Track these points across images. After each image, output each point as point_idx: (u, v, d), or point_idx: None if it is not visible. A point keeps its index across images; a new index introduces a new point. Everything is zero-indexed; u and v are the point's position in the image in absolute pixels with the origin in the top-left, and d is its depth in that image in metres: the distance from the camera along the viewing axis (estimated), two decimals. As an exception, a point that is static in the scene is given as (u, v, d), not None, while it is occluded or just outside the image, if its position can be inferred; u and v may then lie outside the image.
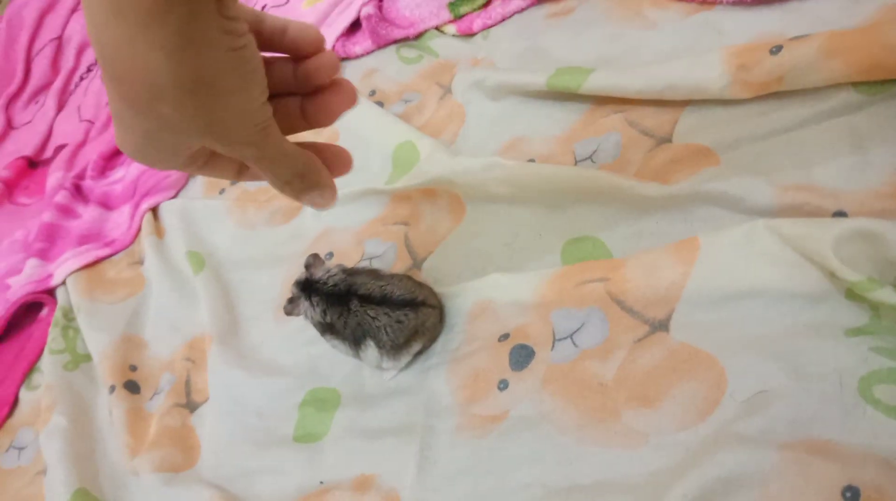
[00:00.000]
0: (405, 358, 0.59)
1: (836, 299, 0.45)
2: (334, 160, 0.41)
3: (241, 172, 0.41)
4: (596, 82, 0.64)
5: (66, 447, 0.71)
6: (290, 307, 0.60)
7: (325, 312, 0.58)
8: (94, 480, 0.70)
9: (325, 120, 0.40)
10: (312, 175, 0.39)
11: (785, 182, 0.52)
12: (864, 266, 0.44)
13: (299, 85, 0.39)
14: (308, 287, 0.59)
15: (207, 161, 0.38)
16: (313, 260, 0.61)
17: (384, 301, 0.57)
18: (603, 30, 0.72)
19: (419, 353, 0.60)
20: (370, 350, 0.58)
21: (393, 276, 0.60)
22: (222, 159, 0.39)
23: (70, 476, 0.69)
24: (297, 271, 0.74)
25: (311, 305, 0.58)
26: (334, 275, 0.58)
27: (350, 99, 0.40)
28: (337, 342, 0.60)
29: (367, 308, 0.57)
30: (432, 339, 0.60)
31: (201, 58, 0.30)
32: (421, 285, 0.60)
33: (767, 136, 0.55)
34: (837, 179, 0.51)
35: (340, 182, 0.78)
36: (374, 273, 0.60)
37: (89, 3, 0.28)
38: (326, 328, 0.59)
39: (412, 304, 0.57)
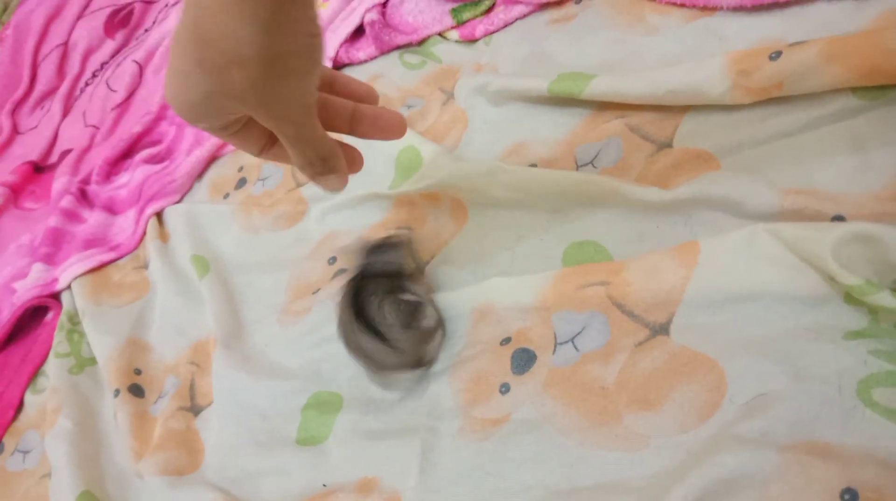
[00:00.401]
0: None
1: (835, 302, 0.45)
2: (350, 157, 0.46)
3: (265, 147, 0.44)
4: (597, 88, 0.64)
5: (72, 450, 0.72)
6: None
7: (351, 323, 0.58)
8: (100, 483, 0.70)
9: (371, 136, 0.47)
10: (333, 160, 0.43)
11: (785, 186, 0.52)
12: (862, 270, 0.44)
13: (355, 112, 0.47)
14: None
15: (242, 129, 0.41)
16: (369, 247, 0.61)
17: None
18: (605, 35, 0.72)
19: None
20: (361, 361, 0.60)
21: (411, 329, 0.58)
22: (255, 131, 0.42)
23: (75, 478, 0.69)
24: (302, 275, 0.75)
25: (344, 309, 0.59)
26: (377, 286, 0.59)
27: (401, 131, 0.47)
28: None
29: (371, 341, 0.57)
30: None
31: (286, 36, 0.33)
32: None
33: (768, 140, 0.56)
34: (837, 184, 0.51)
35: (347, 186, 0.79)
36: (408, 312, 0.58)
37: None
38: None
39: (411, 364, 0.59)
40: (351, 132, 0.47)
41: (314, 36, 0.35)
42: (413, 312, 0.58)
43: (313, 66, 0.36)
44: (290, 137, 0.40)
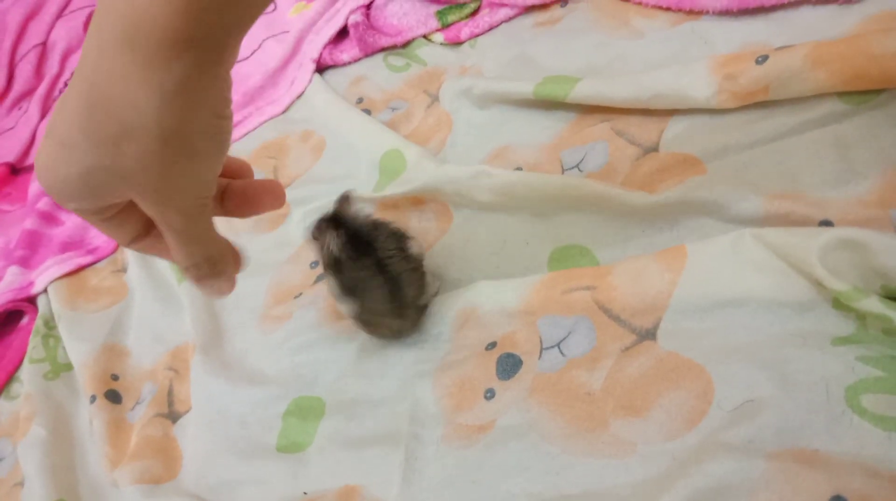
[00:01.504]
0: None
1: (822, 308, 0.45)
2: (234, 259, 0.40)
3: (134, 240, 0.38)
4: (583, 91, 0.64)
5: (45, 458, 0.70)
6: (318, 233, 0.58)
7: (344, 246, 0.55)
8: (73, 492, 0.69)
9: (245, 213, 0.40)
10: (221, 264, 0.38)
11: (771, 191, 0.52)
12: (849, 275, 0.44)
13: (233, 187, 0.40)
14: (335, 220, 0.57)
15: (114, 216, 0.36)
16: (346, 197, 0.59)
17: (386, 284, 0.56)
18: (590, 39, 0.72)
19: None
20: (349, 307, 0.58)
21: (411, 261, 0.58)
22: (132, 217, 0.36)
23: (48, 487, 0.67)
24: (283, 279, 0.74)
25: (336, 235, 0.55)
26: (363, 219, 0.58)
27: (279, 201, 0.40)
28: (333, 282, 0.58)
29: (373, 278, 0.56)
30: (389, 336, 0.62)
31: (190, 112, 0.30)
32: (423, 287, 0.60)
33: (754, 145, 0.56)
34: (823, 188, 0.51)
35: (328, 189, 0.78)
36: (398, 239, 0.58)
37: (99, 26, 0.28)
38: (333, 264, 0.57)
39: (397, 311, 0.57)
40: (223, 213, 0.40)
41: (223, 118, 0.31)
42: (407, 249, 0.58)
43: (217, 151, 0.32)
44: (177, 232, 0.34)
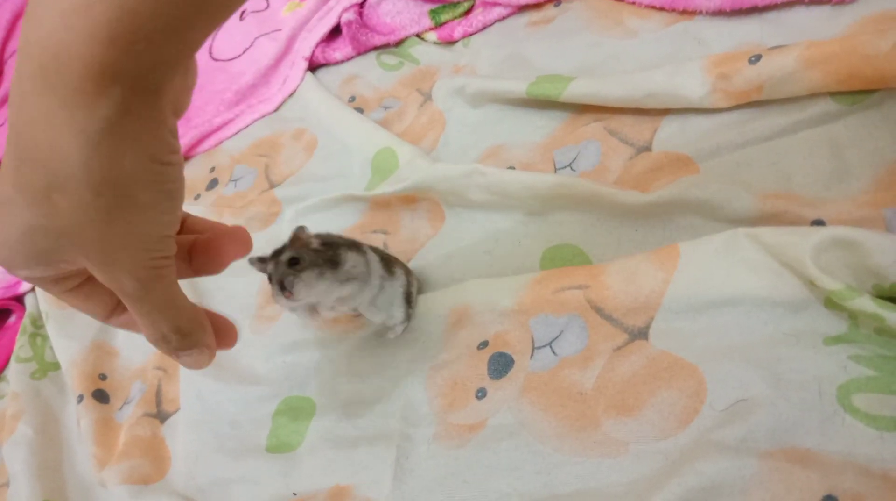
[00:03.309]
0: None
1: (815, 307, 0.45)
2: (221, 330, 0.37)
3: (112, 313, 0.35)
4: (576, 90, 0.64)
5: (31, 458, 0.69)
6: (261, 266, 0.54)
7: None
8: (61, 492, 0.68)
9: (213, 267, 0.37)
10: (195, 334, 0.34)
11: (764, 191, 0.52)
12: (842, 274, 0.44)
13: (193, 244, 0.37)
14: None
15: (80, 287, 0.33)
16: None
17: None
18: (583, 38, 0.72)
19: None
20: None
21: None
22: (96, 292, 0.34)
23: (34, 488, 0.67)
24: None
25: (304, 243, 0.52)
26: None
27: (245, 247, 0.37)
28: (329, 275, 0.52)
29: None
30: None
31: (120, 156, 0.26)
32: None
33: (747, 144, 0.55)
34: (816, 188, 0.51)
35: (321, 187, 0.78)
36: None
37: (20, 63, 0.25)
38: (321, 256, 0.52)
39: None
40: (193, 274, 0.37)
41: (165, 163, 0.27)
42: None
43: (162, 202, 0.28)
44: (135, 300, 0.30)
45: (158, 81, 0.26)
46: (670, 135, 0.60)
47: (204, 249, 0.36)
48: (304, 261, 0.50)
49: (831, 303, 0.44)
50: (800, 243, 0.45)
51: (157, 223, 0.29)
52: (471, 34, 0.82)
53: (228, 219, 0.82)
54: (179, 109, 0.29)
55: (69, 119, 0.24)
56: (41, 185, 0.26)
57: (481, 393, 0.54)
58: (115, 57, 0.24)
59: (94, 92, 0.24)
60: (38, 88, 0.24)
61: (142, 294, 0.30)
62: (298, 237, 0.52)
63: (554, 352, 0.53)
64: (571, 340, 0.53)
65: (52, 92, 0.24)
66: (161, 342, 0.33)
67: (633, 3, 0.71)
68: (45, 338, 0.83)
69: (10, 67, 1.35)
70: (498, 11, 0.80)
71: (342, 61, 0.92)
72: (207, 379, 0.66)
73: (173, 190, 0.29)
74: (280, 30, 0.99)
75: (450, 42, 0.84)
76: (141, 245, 0.29)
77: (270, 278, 0.51)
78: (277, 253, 0.52)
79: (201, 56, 0.99)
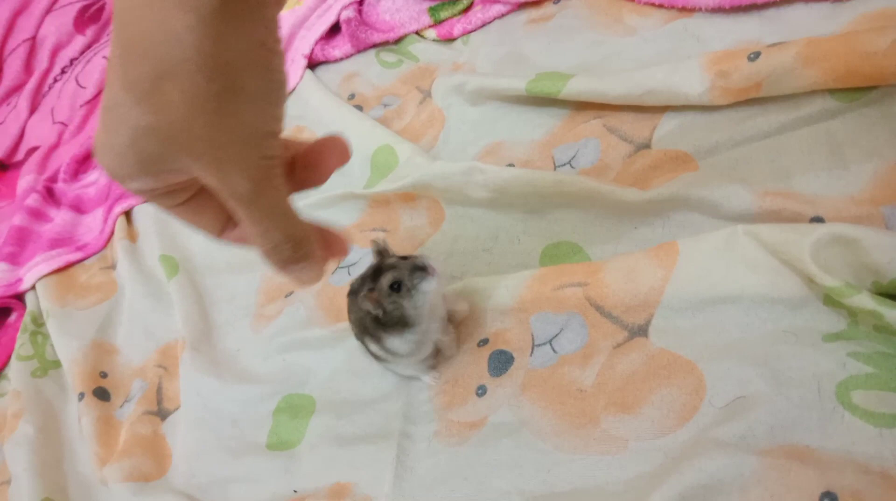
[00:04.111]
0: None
1: (814, 304, 0.45)
2: (329, 243, 0.37)
3: (224, 228, 0.35)
4: (575, 88, 0.64)
5: (33, 456, 0.70)
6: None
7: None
8: (62, 490, 0.68)
9: (316, 179, 0.36)
10: (307, 245, 0.34)
11: (763, 188, 0.52)
12: (841, 271, 0.44)
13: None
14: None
15: (191, 201, 0.33)
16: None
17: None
18: (583, 36, 0.72)
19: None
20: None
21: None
22: (208, 206, 0.33)
23: (36, 486, 0.67)
24: (273, 277, 0.73)
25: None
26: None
27: (345, 155, 0.35)
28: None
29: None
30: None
31: (231, 38, 0.26)
32: None
33: (746, 142, 0.55)
34: (815, 185, 0.51)
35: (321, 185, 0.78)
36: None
37: None
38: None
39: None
40: (295, 188, 0.35)
41: (271, 51, 0.28)
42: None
43: (273, 91, 0.28)
44: (248, 204, 0.30)
45: None
46: (669, 132, 0.60)
47: (304, 161, 0.35)
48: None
49: (830, 300, 0.44)
50: (799, 241, 0.45)
51: (265, 116, 0.29)
52: (470, 32, 0.82)
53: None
54: (280, 1, 0.29)
55: (181, 1, 0.24)
56: (151, 75, 0.26)
57: (481, 391, 0.54)
58: None
59: None
60: None
61: (253, 197, 0.30)
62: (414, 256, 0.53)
63: (554, 350, 0.53)
64: (571, 337, 0.53)
65: None
66: (273, 253, 0.33)
67: (633, 1, 0.71)
68: (46, 336, 0.83)
69: (10, 64, 1.35)
70: (497, 9, 0.80)
71: (341, 59, 0.92)
72: (208, 377, 0.67)
73: (280, 80, 0.29)
74: (279, 27, 0.99)
75: (449, 39, 0.84)
76: (251, 140, 0.28)
77: (380, 271, 0.51)
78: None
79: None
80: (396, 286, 0.51)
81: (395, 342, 0.52)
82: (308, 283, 0.36)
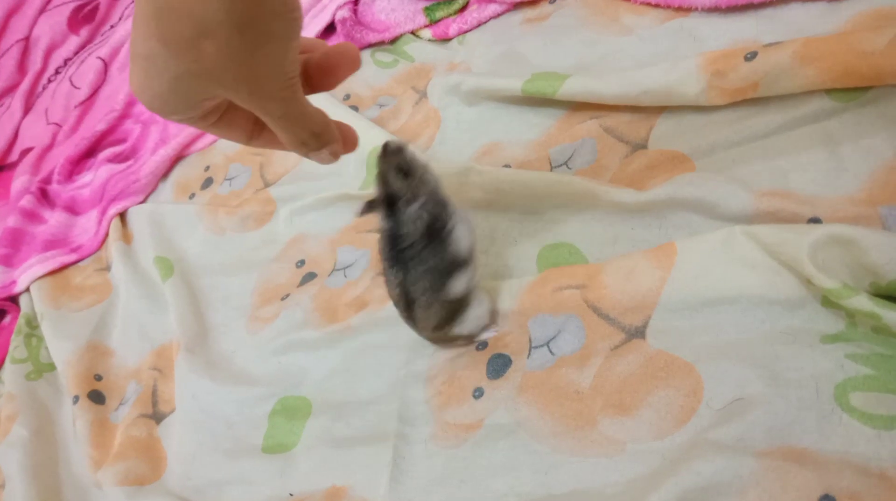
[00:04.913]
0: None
1: (812, 305, 0.45)
2: (344, 135, 0.42)
3: (252, 134, 0.40)
4: (572, 88, 0.63)
5: (27, 459, 0.69)
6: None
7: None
8: (56, 493, 0.68)
9: (329, 84, 0.40)
10: (326, 134, 0.39)
11: (760, 188, 0.51)
12: (839, 272, 0.44)
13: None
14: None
15: (223, 116, 0.38)
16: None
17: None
18: (579, 36, 0.72)
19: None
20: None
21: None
22: (238, 117, 0.38)
23: (30, 489, 0.66)
24: (270, 278, 0.73)
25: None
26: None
27: (355, 63, 0.40)
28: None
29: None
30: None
31: None
32: None
33: (743, 142, 0.55)
34: (813, 186, 0.51)
35: (315, 186, 0.77)
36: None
37: None
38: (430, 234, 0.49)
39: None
40: (309, 90, 0.40)
41: None
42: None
43: (293, 28, 0.32)
44: (278, 117, 0.36)
45: None
46: (666, 132, 0.60)
47: (318, 68, 0.39)
48: None
49: (828, 301, 0.44)
50: (797, 241, 0.45)
51: (287, 51, 0.33)
52: (466, 31, 0.82)
53: (224, 218, 0.82)
54: None
55: None
56: (190, 34, 0.29)
57: (478, 393, 0.54)
58: None
59: None
60: None
61: (284, 111, 0.35)
62: None
63: (551, 352, 0.53)
64: (568, 339, 0.53)
65: None
66: (301, 146, 0.38)
67: (629, 0, 0.70)
68: (41, 339, 0.83)
69: (4, 65, 1.34)
70: (493, 8, 0.80)
71: (337, 59, 0.91)
72: (203, 379, 0.66)
73: (298, 19, 0.33)
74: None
75: (445, 39, 0.84)
76: (279, 72, 0.33)
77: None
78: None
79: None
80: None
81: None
82: (331, 162, 0.41)
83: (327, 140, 0.39)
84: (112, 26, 1.30)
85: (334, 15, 0.90)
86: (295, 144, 0.38)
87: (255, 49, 0.31)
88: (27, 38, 1.34)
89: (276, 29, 0.31)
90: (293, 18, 0.32)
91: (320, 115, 0.39)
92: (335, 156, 0.41)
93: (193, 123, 0.36)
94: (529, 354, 0.54)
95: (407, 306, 0.52)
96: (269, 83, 0.33)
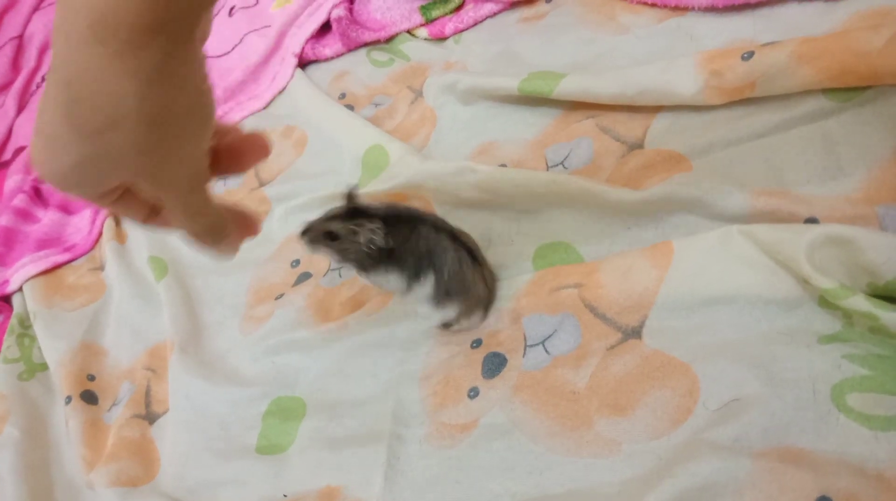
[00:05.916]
0: (439, 315, 0.56)
1: (809, 306, 0.45)
2: (244, 224, 0.41)
3: (149, 217, 0.39)
4: (568, 87, 0.63)
5: (18, 459, 0.69)
6: (312, 237, 0.53)
7: (387, 236, 0.52)
8: (48, 494, 0.67)
9: (237, 170, 0.40)
10: (225, 228, 0.39)
11: (757, 188, 0.51)
12: (836, 272, 0.43)
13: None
14: (356, 214, 0.53)
15: (123, 196, 0.36)
16: (352, 192, 0.55)
17: (455, 238, 0.54)
18: (575, 35, 0.71)
19: (449, 324, 0.57)
20: (427, 286, 0.54)
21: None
22: (136, 200, 0.37)
23: (22, 490, 0.66)
24: (265, 277, 0.73)
25: (371, 230, 0.51)
26: (379, 206, 0.54)
27: (265, 151, 0.40)
28: (392, 274, 0.54)
29: (441, 237, 0.53)
30: (468, 312, 0.56)
31: (171, 93, 0.30)
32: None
33: (739, 141, 0.55)
34: (809, 185, 0.51)
35: (311, 185, 0.77)
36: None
37: (65, 23, 0.28)
38: (382, 258, 0.53)
39: (475, 259, 0.55)
40: (216, 175, 0.39)
41: (203, 93, 0.31)
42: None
43: (203, 125, 0.32)
44: (178, 207, 0.35)
45: (193, 24, 0.29)
46: (663, 132, 0.60)
47: (229, 153, 0.39)
48: None
49: (825, 302, 0.44)
50: (794, 241, 0.45)
51: (197, 147, 0.33)
52: (462, 30, 0.82)
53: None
54: (205, 38, 0.33)
55: (122, 67, 0.28)
56: (97, 125, 0.29)
57: (473, 392, 0.54)
58: (158, 13, 0.27)
59: (141, 44, 0.27)
60: (87, 43, 0.27)
61: (185, 202, 0.35)
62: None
63: (547, 351, 0.53)
64: (564, 338, 0.52)
65: (103, 46, 0.27)
66: (197, 239, 0.38)
67: (625, -1, 0.70)
68: (33, 339, 0.82)
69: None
70: (489, 7, 0.80)
71: (332, 58, 0.91)
72: (197, 380, 0.66)
73: (210, 115, 0.33)
74: (269, 26, 0.98)
75: (441, 38, 0.84)
76: (184, 167, 0.33)
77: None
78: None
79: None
80: None
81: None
82: (226, 259, 0.41)
83: (223, 236, 0.39)
84: (107, 25, 1.29)
85: (330, 14, 0.90)
86: (191, 231, 0.37)
87: (163, 144, 0.31)
88: (21, 37, 1.33)
89: (188, 126, 0.31)
90: (207, 115, 0.32)
91: (222, 212, 0.38)
92: (229, 254, 0.40)
93: (92, 200, 0.35)
94: (525, 353, 0.53)
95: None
96: (173, 177, 0.33)
